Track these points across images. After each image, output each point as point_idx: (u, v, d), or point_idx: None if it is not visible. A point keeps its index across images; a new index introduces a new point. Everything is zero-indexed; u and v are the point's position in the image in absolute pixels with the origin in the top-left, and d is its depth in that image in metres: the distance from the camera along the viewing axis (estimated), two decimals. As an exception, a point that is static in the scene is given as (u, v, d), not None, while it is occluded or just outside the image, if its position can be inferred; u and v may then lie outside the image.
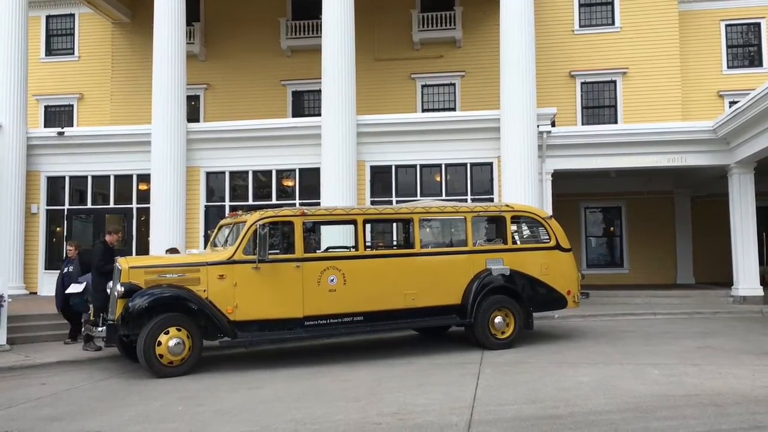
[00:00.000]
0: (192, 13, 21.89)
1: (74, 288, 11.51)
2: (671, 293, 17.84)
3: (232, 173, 18.28)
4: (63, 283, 11.90)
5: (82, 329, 11.16)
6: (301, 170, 17.99)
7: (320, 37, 17.70)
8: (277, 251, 10.10)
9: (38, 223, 18.68)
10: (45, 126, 24.06)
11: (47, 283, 18.29)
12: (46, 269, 18.53)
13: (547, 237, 11.62)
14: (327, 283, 9.95)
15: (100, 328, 9.82)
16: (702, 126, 17.18)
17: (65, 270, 12.12)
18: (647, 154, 17.23)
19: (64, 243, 18.57)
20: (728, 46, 23.17)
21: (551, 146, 17.17)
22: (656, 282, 20.97)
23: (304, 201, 17.55)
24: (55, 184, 18.89)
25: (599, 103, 22.79)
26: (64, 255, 18.37)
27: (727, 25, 23.14)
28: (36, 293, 18.24)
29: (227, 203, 18.10)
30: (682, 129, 17.35)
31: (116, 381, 9.09)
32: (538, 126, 16.76)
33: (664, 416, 6.37)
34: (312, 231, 10.90)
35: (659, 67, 22.31)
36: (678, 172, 19.24)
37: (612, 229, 22.54)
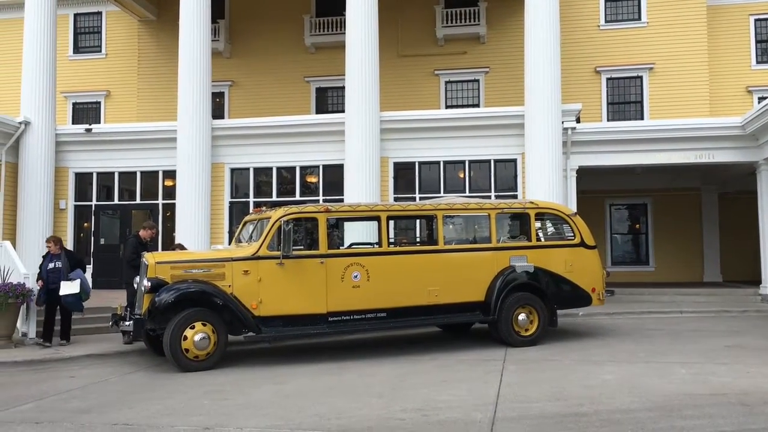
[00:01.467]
0: (217, 11, 22.06)
1: (68, 288, 11.00)
2: (698, 291, 17.63)
3: (256, 169, 18.41)
4: (48, 279, 11.27)
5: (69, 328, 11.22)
6: (325, 166, 18.05)
7: (344, 33, 17.72)
8: (301, 247, 10.15)
9: (66, 218, 18.97)
10: (73, 123, 24.39)
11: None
12: (74, 264, 18.79)
13: (572, 234, 11.54)
14: (351, 279, 9.98)
15: (128, 323, 9.94)
16: (730, 122, 16.92)
17: (50, 266, 11.40)
18: (674, 151, 17.01)
19: (92, 239, 18.90)
20: (757, 41, 22.79)
21: (576, 142, 17.03)
22: (683, 280, 20.74)
23: (327, 197, 17.61)
24: (83, 180, 19.17)
25: (625, 99, 22.55)
26: (92, 250, 18.74)
27: (756, 20, 22.76)
28: (64, 288, 18.49)
29: (251, 199, 18.23)
30: (710, 125, 17.11)
31: (143, 375, 9.22)
32: (562, 122, 16.63)
33: (691, 415, 6.30)
34: (336, 227, 10.94)
35: (687, 63, 22.01)
36: (705, 168, 18.99)
37: (638, 226, 22.31)
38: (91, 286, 11.38)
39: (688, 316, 14.63)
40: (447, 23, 22.91)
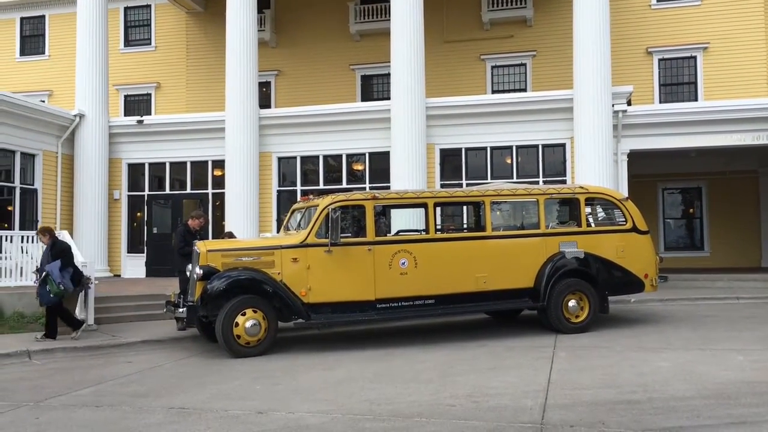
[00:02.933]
0: (262, 1, 22.21)
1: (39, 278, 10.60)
2: (755, 277, 17.09)
3: (303, 158, 18.55)
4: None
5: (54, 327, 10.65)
6: (371, 154, 18.08)
7: (389, 20, 17.67)
8: (349, 235, 10.21)
9: (120, 208, 19.48)
10: (125, 115, 24.95)
11: (130, 266, 19.17)
12: (128, 252, 19.34)
13: (623, 219, 11.31)
14: (398, 266, 9.99)
15: (181, 310, 10.16)
16: (790, 102, 16.32)
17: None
18: (730, 132, 16.49)
19: (145, 228, 19.36)
20: (819, 17, 21.83)
21: (627, 126, 16.66)
22: (739, 265, 20.15)
23: (373, 185, 17.64)
24: (135, 170, 19.63)
25: (678, 80, 21.91)
26: (145, 239, 19.19)
27: (817, -6, 21.80)
28: (119, 276, 19.07)
29: (299, 188, 18.40)
30: (768, 105, 16.53)
31: (196, 360, 9.42)
32: (613, 105, 16.29)
33: (750, 403, 6.13)
34: (383, 214, 10.96)
35: (743, 41, 21.24)
36: (763, 150, 18.34)
37: (692, 210, 21.75)
38: (59, 281, 10.29)
39: (745, 303, 14.21)
40: (493, 7, 22.59)
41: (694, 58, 21.72)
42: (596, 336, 10.29)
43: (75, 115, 18.43)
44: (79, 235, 17.93)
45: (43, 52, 26.34)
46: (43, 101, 24.22)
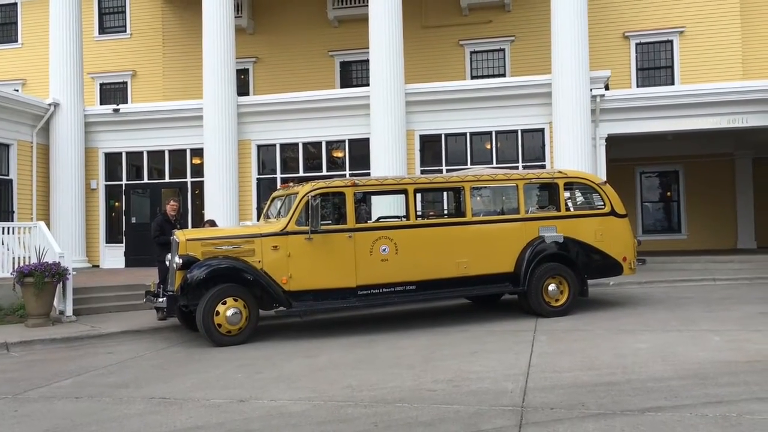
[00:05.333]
0: (239, -13, 21.98)
1: None
2: (732, 258, 17.33)
3: (282, 145, 18.45)
4: None
5: None
6: (351, 141, 18.02)
7: (367, 6, 17.55)
8: (329, 222, 10.19)
9: (98, 198, 19.25)
10: (101, 103, 24.57)
11: (109, 257, 19.01)
12: (106, 243, 19.16)
13: (602, 203, 11.40)
14: (379, 252, 10.00)
15: (161, 299, 10.10)
16: (764, 85, 16.47)
17: None
18: (707, 116, 16.64)
19: (123, 217, 19.18)
20: (793, 1, 22.04)
21: (605, 110, 16.75)
22: (715, 247, 20.43)
23: (354, 171, 17.59)
24: (112, 160, 19.40)
25: (655, 65, 22.02)
26: (123, 229, 19.03)
27: (791, -22, 21.99)
28: (98, 266, 18.89)
29: (278, 175, 18.30)
30: (744, 89, 16.67)
31: (177, 350, 9.38)
32: (591, 90, 16.35)
33: (726, 383, 6.24)
34: (363, 201, 10.97)
35: (719, 25, 21.40)
36: (739, 133, 18.54)
37: (669, 193, 21.97)
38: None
39: (722, 284, 14.42)
40: (471, -8, 22.52)
41: (671, 42, 21.86)
42: (576, 319, 10.39)
43: (49, 104, 18.14)
44: (56, 225, 17.73)
45: (16, 40, 25.83)
46: (17, 90, 23.82)
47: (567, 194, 11.46)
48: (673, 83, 21.47)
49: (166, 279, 10.48)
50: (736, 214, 20.94)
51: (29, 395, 7.00)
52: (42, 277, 11.04)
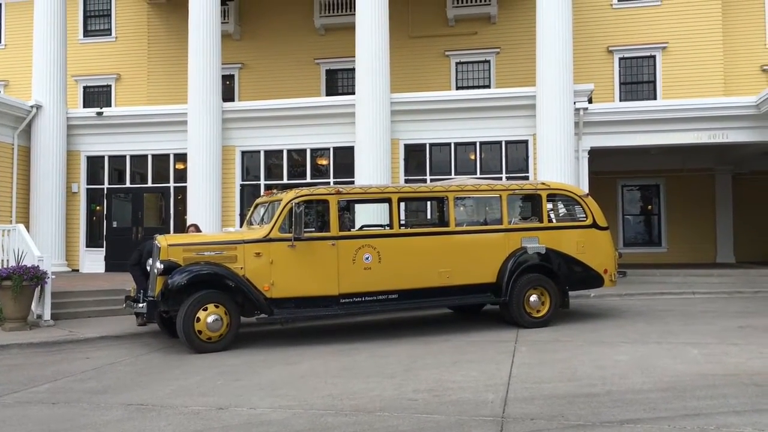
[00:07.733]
0: (226, -7, 21.94)
1: None
2: (711, 272, 17.52)
3: (267, 152, 18.41)
4: None
5: None
6: (335, 149, 18.02)
7: (354, 15, 17.59)
8: (313, 229, 10.18)
9: (79, 202, 19.06)
10: (84, 106, 24.41)
11: (89, 261, 18.82)
12: (87, 247, 18.98)
13: (584, 215, 11.49)
14: (362, 260, 10.00)
15: (141, 305, 10.02)
16: (745, 101, 16.72)
17: None
18: (688, 131, 16.85)
19: (104, 221, 19.01)
20: (773, 19, 22.41)
21: (588, 123, 16.91)
22: (695, 261, 20.64)
23: (338, 179, 17.58)
24: (94, 163, 19.23)
25: (638, 79, 22.29)
26: (104, 234, 18.86)
27: (772, -2, 22.37)
28: (78, 270, 18.69)
29: (262, 182, 18.24)
30: (724, 104, 16.91)
31: (157, 356, 9.29)
32: (574, 103, 16.49)
33: (704, 395, 6.29)
34: (347, 209, 10.94)
35: (701, 42, 21.71)
36: (719, 148, 18.81)
37: (650, 207, 22.18)
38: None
39: (701, 297, 14.57)
40: (458, 3, 22.66)
41: (654, 57, 22.13)
42: (557, 330, 10.44)
43: (32, 106, 17.95)
44: (35, 228, 17.52)
45: (-1, 41, 25.64)
46: (-1, 91, 23.60)
47: (550, 206, 11.54)
48: (655, 98, 21.74)
49: (143, 283, 10.43)
50: (716, 229, 21.18)
51: (5, 400, 6.89)
52: (20, 281, 10.91)
